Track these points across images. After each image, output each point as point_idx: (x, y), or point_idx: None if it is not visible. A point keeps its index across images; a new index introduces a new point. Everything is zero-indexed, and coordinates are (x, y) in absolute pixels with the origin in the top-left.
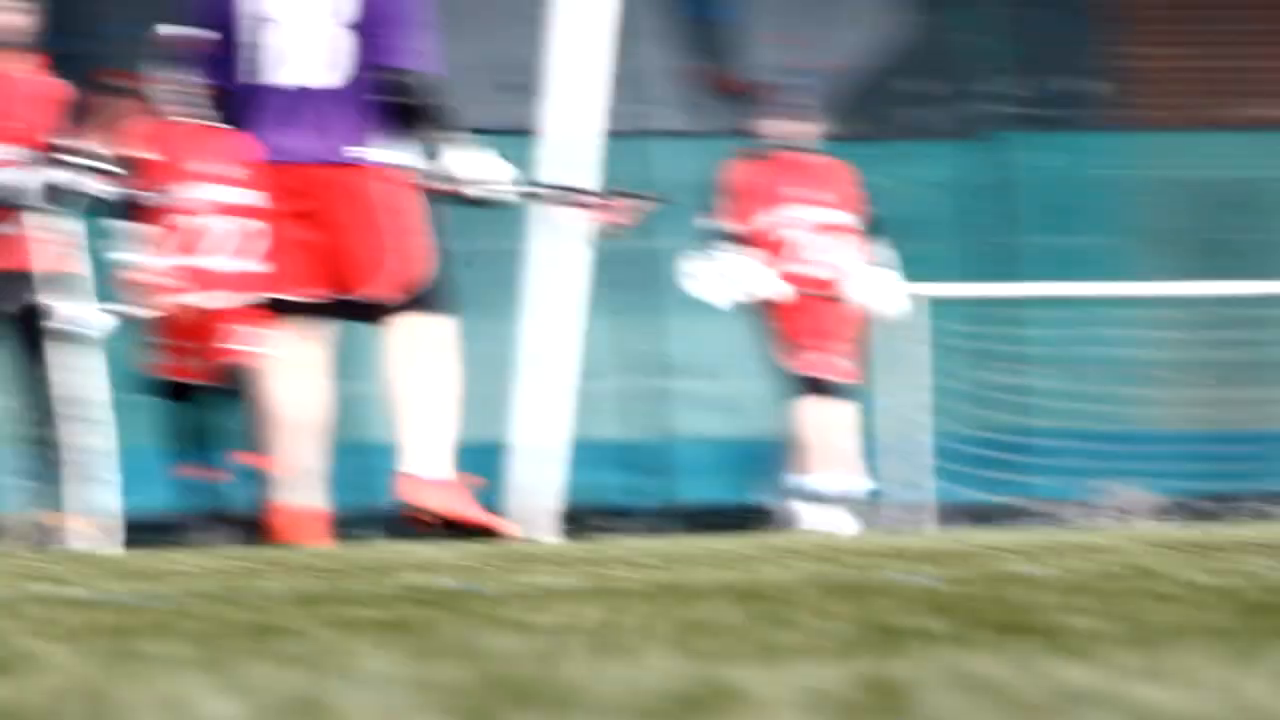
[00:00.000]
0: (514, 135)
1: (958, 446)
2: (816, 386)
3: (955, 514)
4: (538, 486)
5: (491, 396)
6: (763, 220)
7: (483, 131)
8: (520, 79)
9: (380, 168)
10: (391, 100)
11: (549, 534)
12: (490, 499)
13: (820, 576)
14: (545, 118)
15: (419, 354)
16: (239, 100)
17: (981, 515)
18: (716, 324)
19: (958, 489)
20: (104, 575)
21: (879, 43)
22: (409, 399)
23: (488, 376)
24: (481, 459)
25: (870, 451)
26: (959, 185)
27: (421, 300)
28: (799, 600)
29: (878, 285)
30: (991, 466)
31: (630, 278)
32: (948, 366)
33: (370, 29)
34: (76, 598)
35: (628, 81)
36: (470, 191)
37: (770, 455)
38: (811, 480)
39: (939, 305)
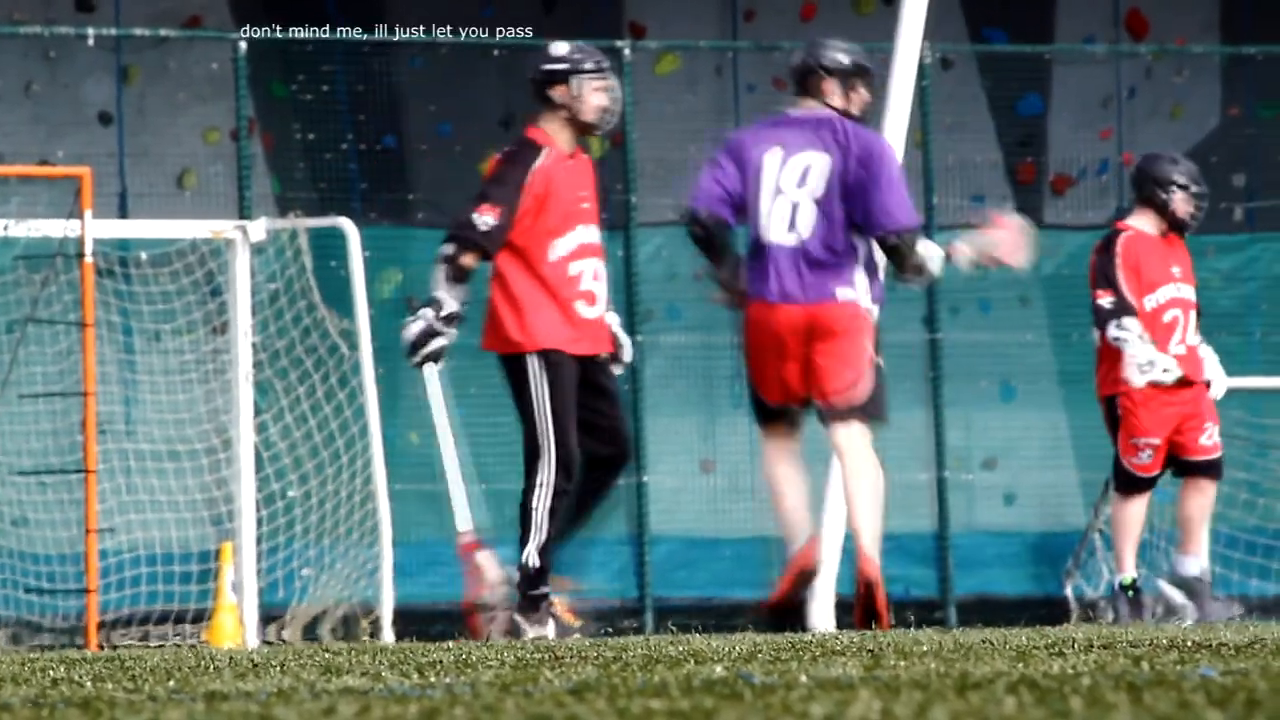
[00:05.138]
0: None
1: (1239, 536)
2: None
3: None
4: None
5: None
6: (1149, 300)
7: None
8: None
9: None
10: (888, 254)
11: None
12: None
13: (1097, 667)
14: None
15: (852, 455)
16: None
17: (1264, 607)
18: (995, 415)
19: (1239, 579)
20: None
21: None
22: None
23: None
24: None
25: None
26: (1243, 278)
27: (860, 411)
28: (1076, 691)
29: (1217, 367)
30: (1274, 557)
31: (912, 370)
32: (1230, 458)
33: (850, 201)
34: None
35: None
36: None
37: (1061, 546)
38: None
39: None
